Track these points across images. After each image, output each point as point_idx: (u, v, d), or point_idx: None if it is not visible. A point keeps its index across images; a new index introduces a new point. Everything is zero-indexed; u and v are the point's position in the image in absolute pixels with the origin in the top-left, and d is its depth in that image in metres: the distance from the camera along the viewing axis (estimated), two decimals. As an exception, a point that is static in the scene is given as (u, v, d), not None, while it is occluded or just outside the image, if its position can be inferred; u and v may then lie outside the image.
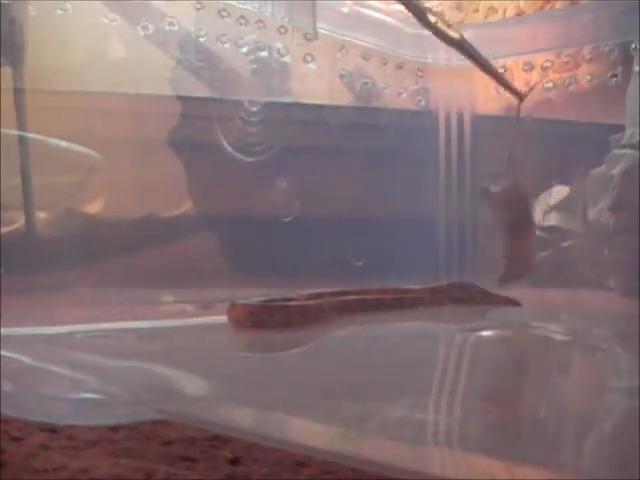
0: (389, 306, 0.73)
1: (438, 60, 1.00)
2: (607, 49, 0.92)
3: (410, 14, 0.86)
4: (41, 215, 0.90)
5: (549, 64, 0.96)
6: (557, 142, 1.01)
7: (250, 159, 0.92)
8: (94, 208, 0.94)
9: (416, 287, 0.81)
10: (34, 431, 0.35)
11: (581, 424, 0.39)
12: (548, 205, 1.01)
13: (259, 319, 0.63)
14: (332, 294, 0.71)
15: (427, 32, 1.00)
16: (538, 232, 1.01)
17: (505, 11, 1.18)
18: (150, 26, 0.84)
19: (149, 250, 0.91)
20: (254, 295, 0.74)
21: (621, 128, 0.89)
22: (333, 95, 0.99)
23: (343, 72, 0.96)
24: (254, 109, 0.92)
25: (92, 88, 0.88)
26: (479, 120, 1.03)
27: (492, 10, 1.19)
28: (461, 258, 1.00)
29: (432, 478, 0.29)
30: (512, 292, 0.81)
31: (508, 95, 0.98)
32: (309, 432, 0.37)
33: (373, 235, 0.96)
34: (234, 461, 0.32)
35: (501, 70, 0.99)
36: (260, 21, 0.88)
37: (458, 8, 1.24)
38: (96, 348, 0.57)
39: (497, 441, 0.36)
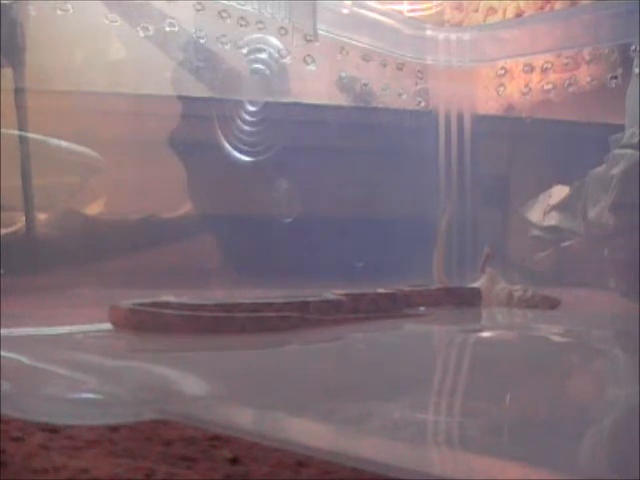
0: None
1: (438, 61, 1.00)
2: (607, 50, 0.92)
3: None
4: (41, 216, 0.90)
5: (549, 65, 0.96)
6: (557, 142, 1.01)
7: (250, 159, 0.92)
8: (94, 209, 0.94)
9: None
10: (34, 431, 0.35)
11: (581, 425, 0.39)
12: (548, 205, 1.01)
13: (140, 322, 0.61)
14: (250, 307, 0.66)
15: (427, 33, 1.00)
16: (538, 232, 1.01)
17: (505, 11, 1.18)
18: (150, 27, 0.84)
19: (149, 251, 0.91)
20: (254, 295, 0.74)
21: (621, 128, 0.89)
22: (333, 97, 0.99)
23: (343, 74, 0.96)
24: (254, 109, 0.92)
25: (92, 88, 0.88)
26: (479, 120, 1.03)
27: (492, 10, 1.19)
28: (461, 258, 1.00)
29: (432, 478, 0.30)
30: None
31: (508, 95, 0.99)
32: (309, 432, 0.37)
33: (373, 235, 0.96)
34: (234, 461, 0.32)
35: (501, 72, 0.99)
36: (260, 22, 0.88)
37: (458, 8, 1.24)
38: (96, 348, 0.57)
39: (497, 441, 0.36)
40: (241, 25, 0.87)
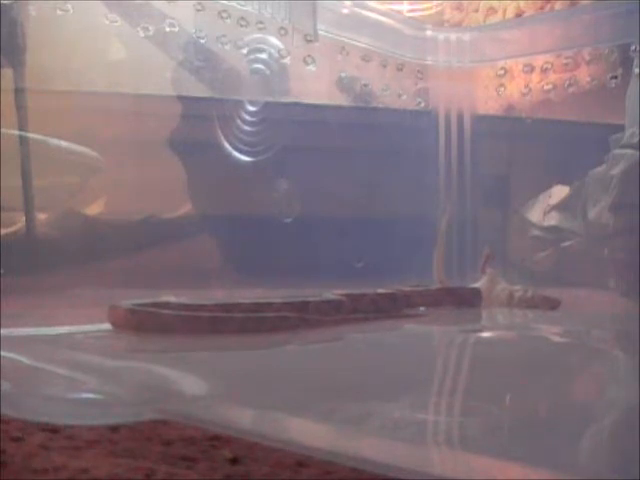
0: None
1: (438, 62, 1.00)
2: (607, 51, 0.92)
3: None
4: (41, 216, 0.90)
5: (549, 65, 0.96)
6: (557, 142, 1.01)
7: (250, 159, 0.92)
8: (94, 209, 0.94)
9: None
10: (34, 431, 0.35)
11: (581, 425, 0.39)
12: (548, 205, 1.01)
13: (140, 322, 0.61)
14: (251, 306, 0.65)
15: (427, 34, 1.00)
16: (538, 232, 1.02)
17: (505, 11, 1.18)
18: (150, 27, 0.84)
19: (149, 251, 0.91)
20: (253, 295, 0.74)
21: (621, 128, 0.89)
22: (333, 97, 0.99)
23: (343, 74, 0.96)
24: (254, 109, 0.92)
25: (92, 88, 0.88)
26: (479, 120, 1.03)
27: (492, 10, 1.19)
28: (461, 258, 1.00)
29: (432, 478, 0.30)
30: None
31: (507, 95, 0.99)
32: (309, 432, 0.37)
33: (373, 235, 0.96)
34: (234, 461, 0.32)
35: (501, 72, 0.99)
36: (260, 22, 0.88)
37: (458, 8, 1.24)
38: (96, 348, 0.57)
39: (497, 441, 0.36)
40: (241, 25, 0.87)
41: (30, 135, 0.85)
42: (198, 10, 0.86)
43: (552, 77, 0.97)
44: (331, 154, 0.98)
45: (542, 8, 1.14)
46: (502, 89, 1.01)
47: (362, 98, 0.99)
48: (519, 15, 1.16)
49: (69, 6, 0.80)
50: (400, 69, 0.98)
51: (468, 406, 0.43)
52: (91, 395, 0.42)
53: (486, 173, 1.05)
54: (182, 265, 0.90)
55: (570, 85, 0.96)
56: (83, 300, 0.77)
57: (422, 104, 1.01)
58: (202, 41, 0.88)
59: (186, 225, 0.95)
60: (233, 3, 0.85)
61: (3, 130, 0.81)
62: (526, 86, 1.00)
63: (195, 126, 0.93)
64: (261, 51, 0.90)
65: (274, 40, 0.90)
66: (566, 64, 0.96)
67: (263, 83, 0.92)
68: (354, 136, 0.98)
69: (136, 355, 0.57)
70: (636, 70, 0.88)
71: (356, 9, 0.94)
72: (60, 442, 0.34)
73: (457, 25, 1.21)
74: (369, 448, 0.34)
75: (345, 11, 0.93)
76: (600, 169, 0.90)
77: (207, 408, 0.41)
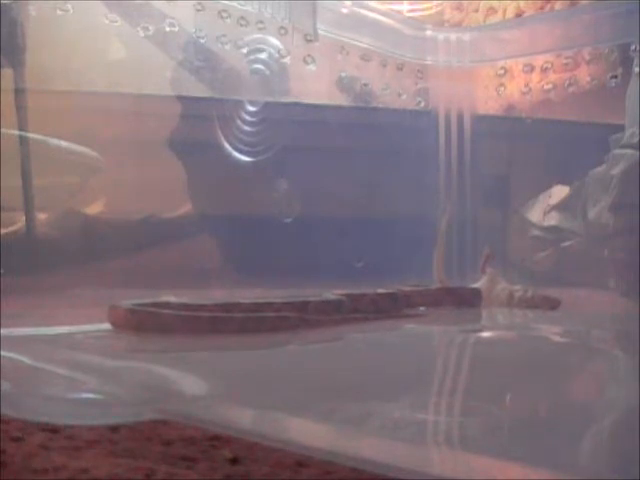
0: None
1: (438, 61, 1.00)
2: (607, 50, 0.92)
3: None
4: (41, 216, 0.90)
5: (549, 65, 0.96)
6: (557, 142, 1.01)
7: (250, 159, 0.92)
8: (94, 209, 0.94)
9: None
10: (34, 431, 0.35)
11: (581, 425, 0.39)
12: (548, 205, 1.01)
13: (140, 322, 0.61)
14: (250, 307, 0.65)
15: (427, 33, 1.00)
16: (538, 232, 1.02)
17: (505, 11, 1.18)
18: (150, 27, 0.84)
19: (149, 251, 0.91)
20: (253, 295, 0.74)
21: (621, 128, 0.89)
22: (333, 97, 0.99)
23: (343, 74, 0.96)
24: (254, 109, 0.92)
25: (92, 88, 0.88)
26: (479, 120, 1.03)
27: (492, 10, 1.19)
28: (461, 258, 1.00)
29: (432, 478, 0.30)
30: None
31: (507, 95, 0.99)
32: (309, 432, 0.37)
33: (373, 235, 0.96)
34: (234, 461, 0.32)
35: (501, 72, 0.99)
36: (260, 22, 0.88)
37: (458, 8, 1.24)
38: (96, 348, 0.57)
39: (497, 441, 0.36)
40: (241, 25, 0.87)
41: (30, 135, 0.85)
42: (198, 10, 0.86)
43: (552, 77, 0.97)
44: (331, 154, 0.98)
45: (542, 8, 1.14)
46: (502, 89, 1.01)
47: (362, 98, 0.99)
48: (519, 15, 1.16)
49: (69, 6, 0.80)
50: (400, 69, 0.98)
51: (468, 406, 0.43)
52: (91, 395, 0.42)
53: (486, 173, 1.05)
54: (182, 265, 0.90)
55: (570, 85, 0.96)
56: (83, 300, 0.77)
57: (422, 104, 1.01)
58: (202, 41, 0.88)
59: (186, 225, 0.95)
60: (233, 3, 0.85)
61: (3, 130, 0.81)
62: (526, 86, 1.00)
63: (195, 126, 0.93)
64: (261, 51, 0.90)
65: (274, 40, 0.90)
66: (566, 64, 0.96)
67: (263, 83, 0.92)
68: (354, 136, 0.98)
69: (136, 355, 0.57)
70: (636, 70, 0.88)
71: (356, 9, 0.94)
72: (60, 442, 0.34)
73: (457, 25, 1.22)
74: (369, 448, 0.34)
75: (345, 11, 0.93)
76: (600, 169, 0.90)
77: (207, 408, 0.41)
